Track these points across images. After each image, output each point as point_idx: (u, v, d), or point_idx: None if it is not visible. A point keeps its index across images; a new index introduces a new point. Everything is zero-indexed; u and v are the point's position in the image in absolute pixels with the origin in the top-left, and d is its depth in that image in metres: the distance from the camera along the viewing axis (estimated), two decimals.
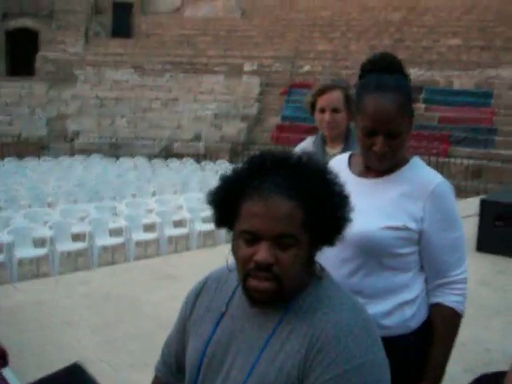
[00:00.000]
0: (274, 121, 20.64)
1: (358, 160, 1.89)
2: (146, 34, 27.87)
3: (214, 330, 1.40)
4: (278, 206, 1.25)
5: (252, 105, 21.84)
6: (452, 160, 16.22)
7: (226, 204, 1.32)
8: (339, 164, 1.96)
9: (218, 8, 28.64)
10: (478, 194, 12.96)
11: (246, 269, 1.27)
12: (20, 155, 17.95)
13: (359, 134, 1.76)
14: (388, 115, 1.68)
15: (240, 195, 1.29)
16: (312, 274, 1.36)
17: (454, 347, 1.86)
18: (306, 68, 23.81)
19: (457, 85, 20.41)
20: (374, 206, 1.78)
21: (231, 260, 1.38)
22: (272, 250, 1.25)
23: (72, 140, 19.35)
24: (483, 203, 6.81)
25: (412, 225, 1.76)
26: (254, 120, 21.13)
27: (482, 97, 19.08)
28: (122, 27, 28.59)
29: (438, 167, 15.62)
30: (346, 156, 1.98)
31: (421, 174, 1.82)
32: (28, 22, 27.06)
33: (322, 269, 1.39)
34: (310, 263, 1.34)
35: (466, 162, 15.99)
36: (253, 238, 1.26)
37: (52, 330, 3.98)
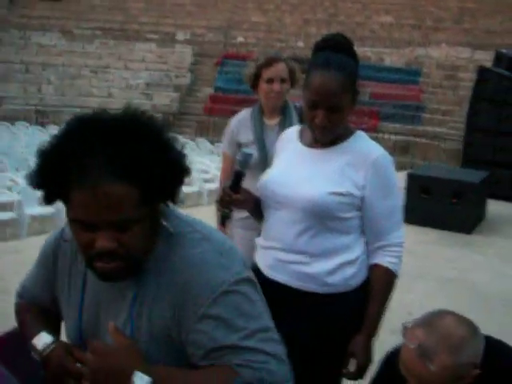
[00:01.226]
0: (207, 91, 20.53)
1: (308, 132, 2.03)
2: None
3: (82, 297, 1.39)
4: (108, 194, 1.14)
5: (184, 75, 21.60)
6: (380, 135, 16.66)
7: (51, 187, 1.22)
8: (290, 135, 2.14)
9: None
10: (404, 169, 13.42)
11: (89, 253, 1.22)
12: None
13: (304, 106, 1.91)
14: (329, 91, 1.84)
15: (65, 175, 1.17)
16: (160, 231, 1.30)
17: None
18: (240, 39, 23.70)
19: (387, 62, 20.90)
20: (320, 174, 1.93)
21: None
22: (111, 235, 1.18)
23: None
24: (410, 177, 7.11)
25: (354, 191, 1.92)
26: (187, 90, 20.94)
27: (411, 74, 19.65)
28: None
29: None
30: (296, 128, 2.13)
31: (364, 145, 1.99)
32: None
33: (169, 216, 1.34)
34: (155, 228, 1.28)
35: (393, 137, 16.49)
36: (88, 226, 1.19)
37: None
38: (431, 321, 1.56)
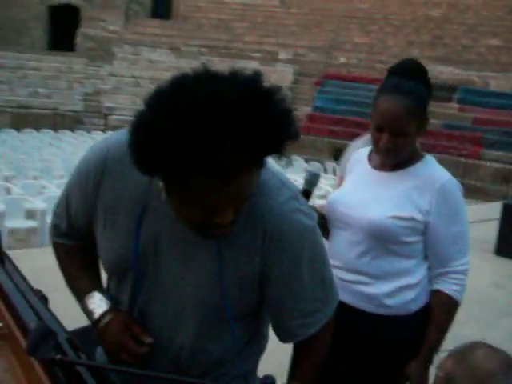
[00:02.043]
0: (306, 111, 20.71)
1: (376, 155, 2.06)
2: (184, 17, 28.08)
3: (139, 225, 1.32)
4: (239, 183, 1.10)
5: (285, 93, 21.89)
6: (482, 162, 16.13)
7: (168, 172, 1.10)
8: (360, 156, 2.16)
9: None
10: (504, 198, 12.94)
11: (201, 225, 1.18)
12: (55, 128, 18.38)
13: (371, 129, 1.94)
14: (394, 116, 1.86)
15: (187, 161, 1.04)
16: None
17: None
18: (341, 60, 23.77)
19: (493, 86, 20.20)
20: (385, 197, 1.96)
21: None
22: (232, 209, 1.16)
23: (106, 116, 19.70)
24: (505, 207, 6.86)
25: (418, 216, 1.93)
26: None
27: None
28: (161, 8, 28.85)
29: (467, 169, 15.59)
30: (367, 150, 2.14)
31: (431, 170, 1.98)
32: None
33: None
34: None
35: (495, 165, 15.89)
36: (209, 208, 1.14)
37: None
38: (463, 351, 1.55)
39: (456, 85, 20.13)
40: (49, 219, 6.59)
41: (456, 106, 19.24)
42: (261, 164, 1.12)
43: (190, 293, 1.32)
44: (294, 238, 1.30)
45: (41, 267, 4.88)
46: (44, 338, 1.06)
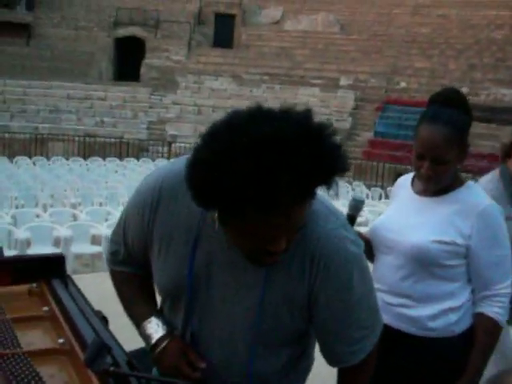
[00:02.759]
0: (367, 136, 20.63)
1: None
2: (245, 45, 28.63)
3: (193, 251, 1.38)
4: (292, 216, 1.16)
5: (345, 119, 21.93)
6: None
7: (224, 207, 1.15)
8: (404, 182, 2.23)
9: (317, 22, 28.94)
10: None
11: (254, 253, 1.24)
12: (121, 155, 18.99)
13: (413, 156, 2.00)
14: (434, 144, 1.92)
15: (243, 195, 1.08)
16: None
17: None
18: (402, 85, 23.61)
19: None
20: (427, 221, 2.01)
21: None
22: (286, 238, 1.21)
23: (170, 144, 20.22)
24: None
25: (460, 240, 1.97)
26: (347, 134, 21.19)
27: None
28: (223, 37, 29.51)
29: None
30: (410, 175, 2.20)
31: (473, 195, 2.02)
32: (136, 31, 28.53)
33: None
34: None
35: None
36: (262, 239, 1.19)
37: None
38: (501, 374, 1.58)
39: None
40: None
41: None
42: (313, 196, 1.17)
43: (239, 317, 1.38)
44: (341, 266, 1.34)
45: (104, 291, 5.07)
46: (100, 351, 1.17)
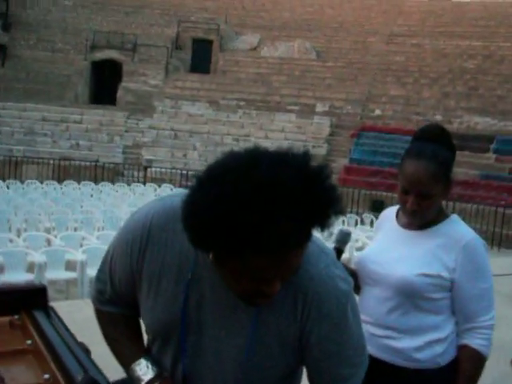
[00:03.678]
0: (342, 162, 20.80)
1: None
2: (222, 71, 28.83)
3: (186, 292, 1.37)
4: (290, 260, 1.17)
5: (321, 145, 22.11)
6: None
7: (223, 250, 1.15)
8: (389, 214, 2.26)
9: (293, 49, 29.29)
10: None
11: (248, 294, 1.24)
12: (96, 179, 18.84)
13: (398, 190, 2.04)
14: (419, 180, 1.96)
15: (242, 240, 1.09)
16: None
17: None
18: (377, 112, 23.95)
19: None
20: (412, 255, 2.05)
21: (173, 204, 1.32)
22: (280, 279, 1.22)
23: (145, 168, 20.13)
24: None
25: (444, 273, 2.01)
26: (323, 160, 21.16)
27: None
28: (200, 63, 29.67)
29: (505, 219, 15.34)
30: (395, 208, 2.24)
31: (457, 229, 2.07)
32: (113, 54, 28.53)
33: None
34: None
35: None
36: (254, 280, 1.19)
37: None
38: None
39: (492, 135, 20.05)
40: (89, 271, 6.73)
41: (493, 156, 19.11)
42: (310, 239, 1.19)
43: (230, 356, 1.38)
44: (333, 305, 1.35)
45: (82, 319, 4.99)
46: None
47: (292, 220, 1.09)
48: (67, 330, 1.69)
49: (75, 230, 10.33)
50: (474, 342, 2.02)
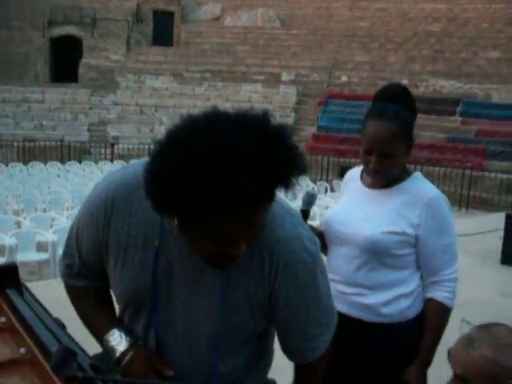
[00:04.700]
0: (310, 131, 20.85)
1: None
2: (185, 43, 28.45)
3: (155, 259, 1.36)
4: (255, 219, 1.17)
5: (288, 114, 22.09)
6: (486, 174, 16.17)
7: (187, 213, 1.14)
8: (353, 175, 2.30)
9: (257, 17, 29.03)
10: (511, 209, 12.95)
11: (214, 257, 1.24)
12: (62, 159, 18.58)
13: (361, 151, 2.07)
14: (381, 139, 1.99)
15: (206, 201, 1.09)
16: None
17: None
18: (343, 79, 23.98)
19: (495, 98, 20.32)
20: (378, 213, 2.09)
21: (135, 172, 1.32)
22: (245, 242, 1.22)
23: (112, 145, 19.89)
24: (508, 217, 6.93)
25: (409, 230, 2.06)
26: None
27: None
28: (162, 35, 29.21)
29: (472, 181, 15.62)
30: (359, 169, 2.27)
31: (420, 186, 2.11)
32: (72, 30, 27.89)
33: None
34: None
35: (500, 176, 15.93)
36: (224, 241, 1.19)
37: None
38: (488, 324, 1.69)
39: (458, 98, 20.26)
40: (60, 251, 6.70)
41: (459, 119, 19.35)
42: (273, 199, 1.19)
43: (201, 320, 1.39)
44: (300, 265, 1.37)
45: (56, 297, 4.96)
46: (66, 357, 1.15)
47: (253, 179, 1.09)
48: (41, 306, 1.67)
49: (44, 211, 10.22)
50: (439, 294, 2.09)
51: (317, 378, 1.58)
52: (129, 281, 1.40)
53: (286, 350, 1.53)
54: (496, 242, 7.02)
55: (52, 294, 5.07)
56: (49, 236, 7.60)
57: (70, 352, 1.18)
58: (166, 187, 1.10)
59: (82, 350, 1.36)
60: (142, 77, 24.95)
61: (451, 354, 1.72)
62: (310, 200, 2.16)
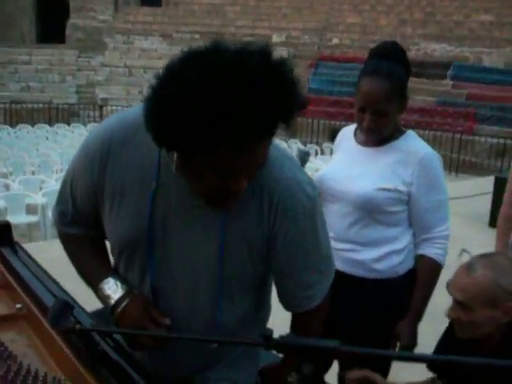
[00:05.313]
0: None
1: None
2: (174, 3, 27.92)
3: (152, 203, 1.35)
4: (258, 150, 1.16)
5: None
6: (476, 138, 16.20)
7: (189, 147, 1.12)
8: (347, 134, 2.31)
9: None
10: (499, 172, 13.02)
11: (214, 193, 1.23)
12: (50, 122, 18.38)
13: (355, 109, 2.07)
14: (375, 97, 1.99)
15: (209, 133, 1.08)
16: None
17: None
18: (335, 41, 23.74)
19: (486, 62, 20.21)
20: (371, 171, 2.11)
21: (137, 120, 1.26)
22: (244, 177, 1.21)
23: (101, 108, 19.70)
24: (497, 181, 6.98)
25: (402, 187, 2.08)
26: None
27: (511, 75, 18.86)
28: None
29: (462, 145, 15.66)
30: (353, 127, 2.27)
31: (413, 144, 2.12)
32: None
33: None
34: None
35: (490, 140, 15.97)
36: (224, 175, 1.18)
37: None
38: (487, 253, 1.75)
39: (449, 62, 20.14)
40: (49, 213, 6.67)
41: (450, 82, 19.27)
42: (274, 132, 1.17)
43: (200, 264, 1.37)
44: (299, 208, 1.35)
45: (47, 259, 4.97)
46: (64, 310, 1.16)
47: (256, 108, 1.07)
48: (35, 263, 1.68)
49: (33, 173, 10.16)
50: (431, 251, 2.13)
51: (314, 327, 1.57)
52: (125, 225, 1.38)
53: (283, 299, 1.52)
54: (485, 205, 7.08)
55: (44, 256, 5.06)
56: (38, 199, 7.57)
57: (67, 305, 1.19)
58: (168, 116, 1.08)
59: (79, 305, 1.37)
60: (130, 38, 24.55)
61: (452, 282, 1.78)
62: (303, 157, 2.18)
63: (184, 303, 1.41)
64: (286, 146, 14.80)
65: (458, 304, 1.75)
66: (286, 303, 1.53)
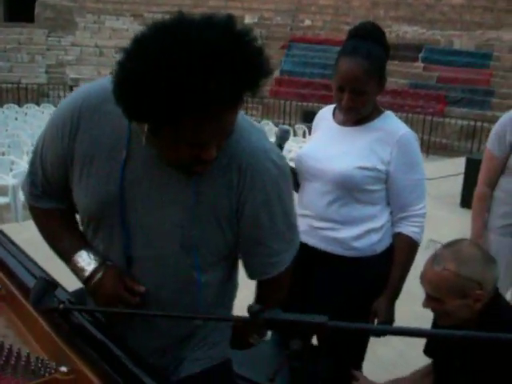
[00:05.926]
0: (273, 74, 20.64)
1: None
2: None
3: (122, 170, 1.35)
4: (227, 120, 1.20)
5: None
6: (447, 120, 16.39)
7: (159, 117, 1.13)
8: (325, 114, 2.32)
9: None
10: (469, 154, 13.20)
11: (185, 162, 1.24)
12: (20, 102, 18.03)
13: (334, 89, 2.09)
14: (354, 76, 2.01)
15: (177, 102, 1.09)
16: None
17: None
18: (307, 22, 23.68)
19: (457, 45, 20.39)
20: (350, 150, 2.12)
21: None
22: (216, 146, 1.24)
23: (71, 88, 19.38)
24: (468, 162, 7.10)
25: (380, 166, 2.10)
26: None
27: (481, 58, 19.07)
28: None
29: (433, 127, 15.83)
30: (331, 107, 2.29)
31: (391, 123, 2.15)
32: None
33: None
34: None
35: (460, 122, 16.16)
36: (196, 145, 1.20)
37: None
38: (452, 241, 1.79)
39: (421, 44, 20.26)
40: (21, 195, 6.56)
41: (421, 65, 19.41)
42: (242, 101, 1.19)
43: (171, 233, 1.37)
44: (266, 176, 1.38)
45: (20, 240, 4.91)
46: (46, 289, 1.14)
47: (220, 77, 1.08)
48: (14, 244, 1.66)
49: (3, 154, 9.97)
50: (408, 229, 2.17)
51: (278, 295, 1.59)
52: (94, 192, 1.38)
53: (250, 266, 1.53)
54: (456, 186, 7.20)
55: (16, 237, 5.00)
56: (9, 180, 7.44)
57: (50, 284, 1.17)
58: (134, 89, 1.10)
59: (60, 285, 1.36)
60: (101, 17, 24.14)
61: (422, 274, 1.81)
62: (283, 135, 2.19)
63: (156, 271, 1.41)
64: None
65: (430, 297, 1.79)
66: (252, 270, 1.54)
